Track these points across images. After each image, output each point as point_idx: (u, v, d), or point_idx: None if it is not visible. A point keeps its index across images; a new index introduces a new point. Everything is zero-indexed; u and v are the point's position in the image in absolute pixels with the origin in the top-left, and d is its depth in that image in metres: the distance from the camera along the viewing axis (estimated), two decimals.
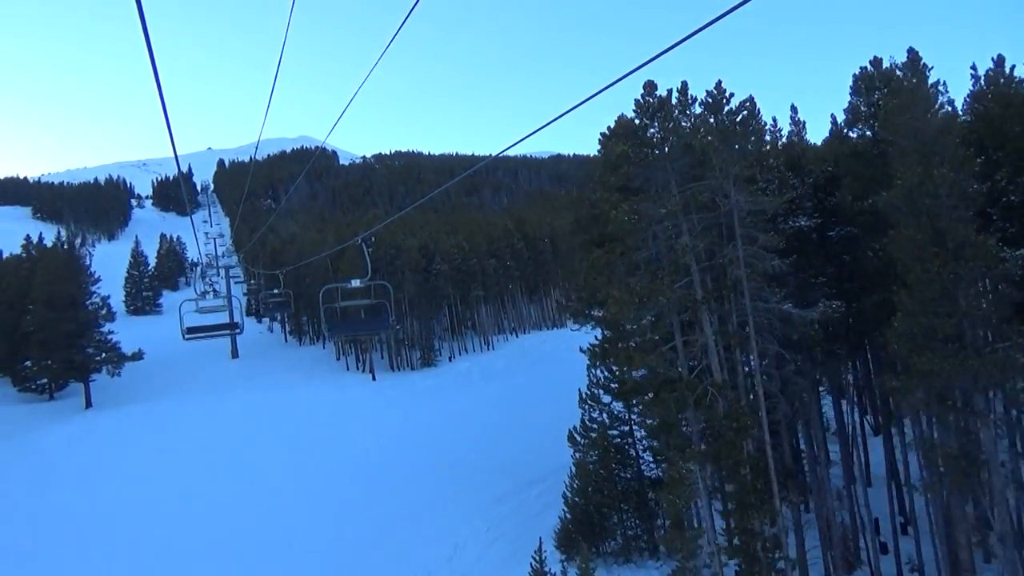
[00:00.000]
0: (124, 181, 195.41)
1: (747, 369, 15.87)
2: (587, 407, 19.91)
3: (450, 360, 52.65)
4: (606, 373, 20.11)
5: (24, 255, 58.72)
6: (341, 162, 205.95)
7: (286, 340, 69.08)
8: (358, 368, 51.12)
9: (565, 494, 18.90)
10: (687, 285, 14.86)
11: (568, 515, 18.07)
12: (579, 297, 21.56)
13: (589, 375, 20.37)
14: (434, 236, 56.28)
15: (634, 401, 19.74)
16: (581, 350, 21.36)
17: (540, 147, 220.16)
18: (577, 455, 19.65)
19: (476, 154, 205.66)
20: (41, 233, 72.08)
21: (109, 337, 45.42)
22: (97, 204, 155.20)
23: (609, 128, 20.43)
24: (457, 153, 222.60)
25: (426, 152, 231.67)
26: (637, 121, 15.68)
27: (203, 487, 30.19)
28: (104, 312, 46.53)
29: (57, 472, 32.32)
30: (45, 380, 46.25)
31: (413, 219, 60.25)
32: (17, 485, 30.48)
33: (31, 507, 28.67)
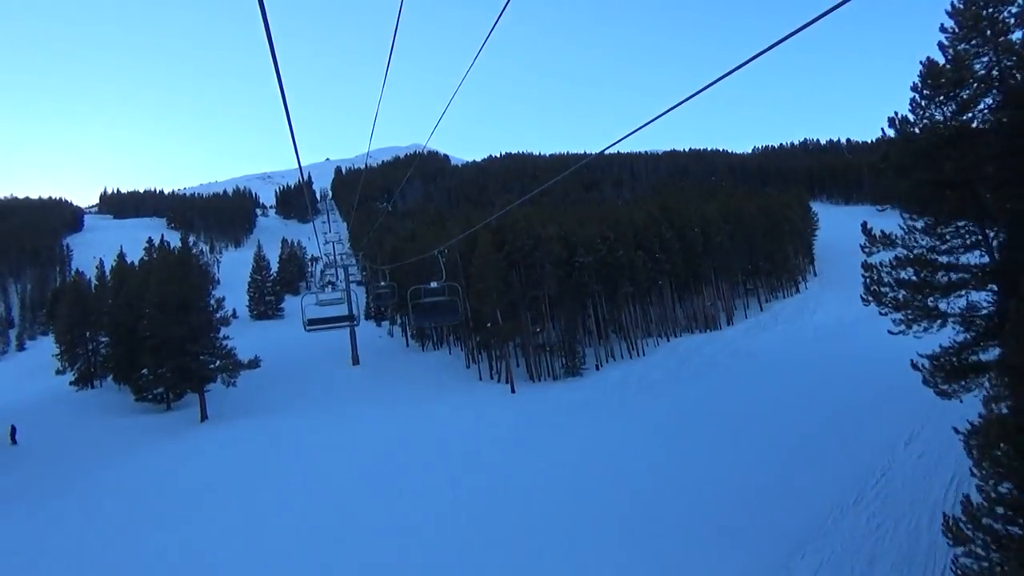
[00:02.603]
0: (249, 191, 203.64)
1: None
2: (988, 473, 10.82)
3: (597, 369, 44.83)
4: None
5: (146, 259, 57.30)
6: (453, 165, 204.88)
7: (407, 344, 64.16)
8: (492, 378, 44.44)
9: None
10: None
11: None
12: (900, 281, 12.81)
13: (988, 409, 11.46)
14: (574, 226, 48.80)
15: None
16: (915, 366, 12.81)
17: (654, 144, 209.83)
18: (971, 564, 10.76)
19: (588, 152, 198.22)
20: (163, 236, 71.25)
21: (224, 343, 41.30)
22: (224, 213, 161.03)
23: None
24: (568, 152, 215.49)
25: (536, 153, 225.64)
26: None
27: (322, 522, 24.17)
28: (219, 316, 42.43)
29: (161, 500, 27.45)
30: (161, 389, 43.00)
31: (547, 212, 53.74)
32: (116, 514, 25.74)
33: (129, 539, 23.73)
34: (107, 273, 67.14)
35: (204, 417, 40.07)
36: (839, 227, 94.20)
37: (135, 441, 35.68)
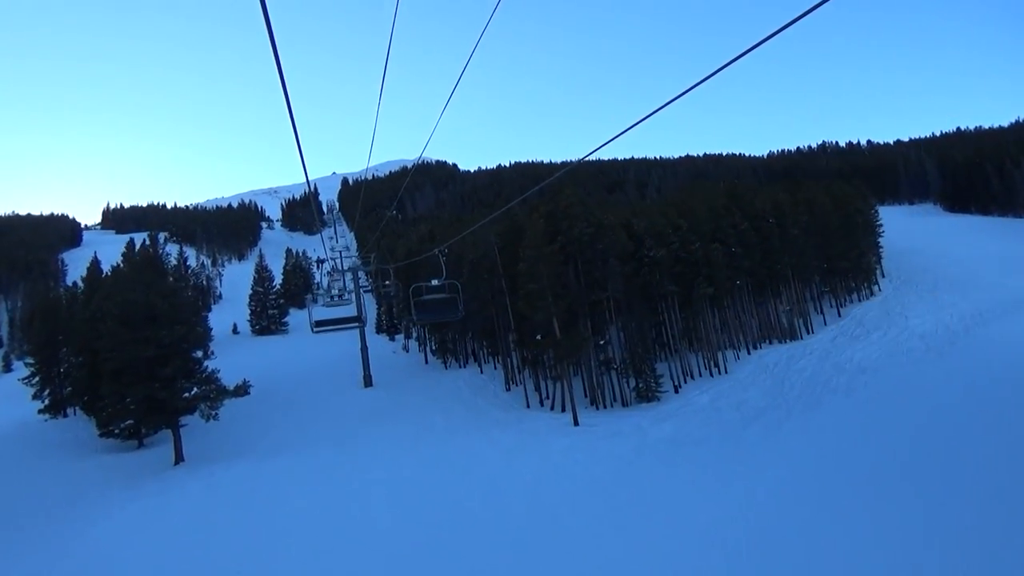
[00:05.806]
0: (255, 205, 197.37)
1: None
2: None
3: (676, 391, 35.71)
4: None
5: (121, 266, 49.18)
6: (463, 172, 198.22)
7: (427, 361, 55.44)
8: (543, 404, 35.41)
9: None
10: None
11: None
12: None
13: None
14: (628, 215, 39.98)
15: None
16: None
17: (666, 151, 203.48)
18: None
19: (602, 159, 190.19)
20: (146, 239, 63.08)
21: (205, 365, 32.56)
22: (229, 227, 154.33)
23: None
24: (580, 159, 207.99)
25: (546, 161, 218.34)
26: None
27: None
28: (197, 331, 33.75)
29: None
30: (129, 422, 34.39)
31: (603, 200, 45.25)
32: None
33: None
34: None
35: (179, 459, 31.38)
36: (890, 227, 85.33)
37: (80, 494, 26.97)
